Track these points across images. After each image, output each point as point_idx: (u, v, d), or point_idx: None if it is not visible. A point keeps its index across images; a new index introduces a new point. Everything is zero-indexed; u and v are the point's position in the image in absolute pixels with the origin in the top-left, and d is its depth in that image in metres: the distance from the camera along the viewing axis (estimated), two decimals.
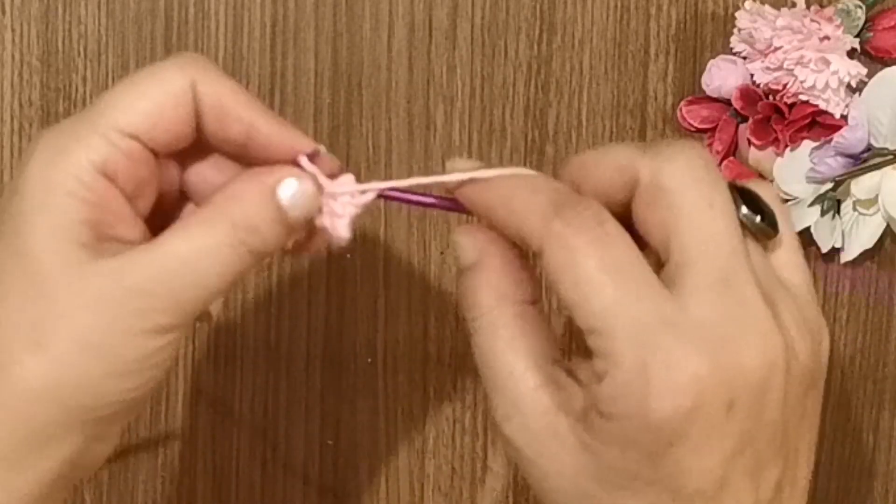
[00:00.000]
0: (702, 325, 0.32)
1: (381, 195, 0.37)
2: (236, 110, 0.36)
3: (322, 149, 0.37)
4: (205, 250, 0.35)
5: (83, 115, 0.35)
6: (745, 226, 0.34)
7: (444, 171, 0.37)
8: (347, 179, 0.37)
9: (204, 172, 0.38)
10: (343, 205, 0.36)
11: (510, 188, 0.35)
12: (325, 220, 0.37)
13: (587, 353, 0.34)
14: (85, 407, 0.35)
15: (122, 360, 0.34)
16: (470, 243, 0.36)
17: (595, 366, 0.33)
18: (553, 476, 0.34)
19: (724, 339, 0.32)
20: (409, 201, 0.38)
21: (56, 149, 0.35)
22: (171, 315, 0.35)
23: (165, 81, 0.35)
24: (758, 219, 0.34)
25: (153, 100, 0.35)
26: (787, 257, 0.36)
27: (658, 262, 0.34)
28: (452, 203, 0.37)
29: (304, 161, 0.36)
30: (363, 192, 0.37)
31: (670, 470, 0.32)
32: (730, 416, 0.32)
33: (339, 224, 0.37)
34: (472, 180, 0.36)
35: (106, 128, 0.35)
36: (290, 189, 0.36)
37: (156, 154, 0.36)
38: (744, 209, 0.34)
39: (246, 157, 0.37)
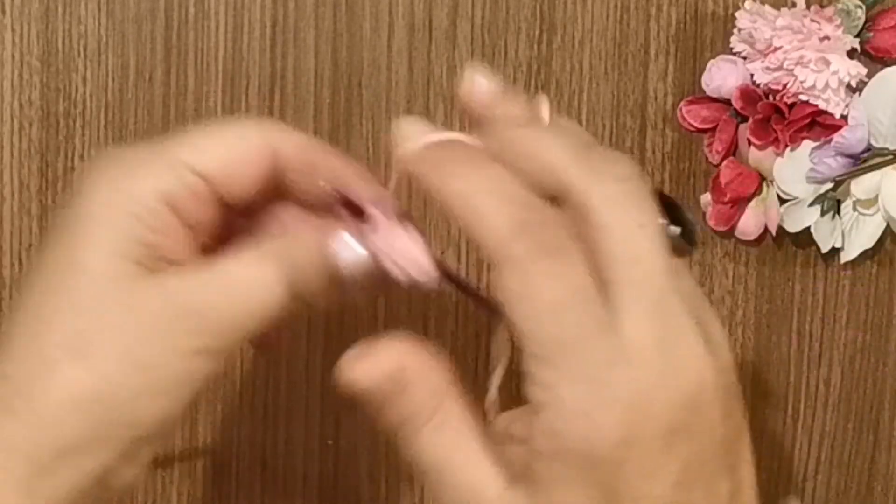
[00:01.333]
0: (639, 352, 0.32)
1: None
2: (323, 164, 0.37)
3: (388, 195, 0.37)
4: (256, 279, 0.35)
5: (156, 145, 0.36)
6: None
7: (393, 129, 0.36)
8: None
9: (277, 215, 0.39)
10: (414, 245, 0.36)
11: (475, 184, 0.34)
12: (407, 270, 0.36)
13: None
14: (119, 422, 0.35)
15: (161, 378, 0.35)
16: (386, 374, 0.35)
17: (534, 394, 0.32)
18: None
19: (661, 364, 0.32)
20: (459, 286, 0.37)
21: (123, 172, 0.35)
22: (214, 338, 0.35)
23: (245, 136, 0.36)
24: (677, 233, 0.34)
25: (228, 148, 0.36)
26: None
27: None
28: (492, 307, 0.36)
29: (376, 213, 0.36)
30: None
31: (621, 500, 0.32)
32: (672, 441, 0.32)
33: (420, 265, 0.36)
34: (430, 148, 0.34)
35: (175, 161, 0.35)
36: (342, 245, 0.36)
37: (223, 200, 0.37)
38: (663, 221, 0.33)
39: (320, 205, 0.38)
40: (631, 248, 0.32)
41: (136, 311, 0.34)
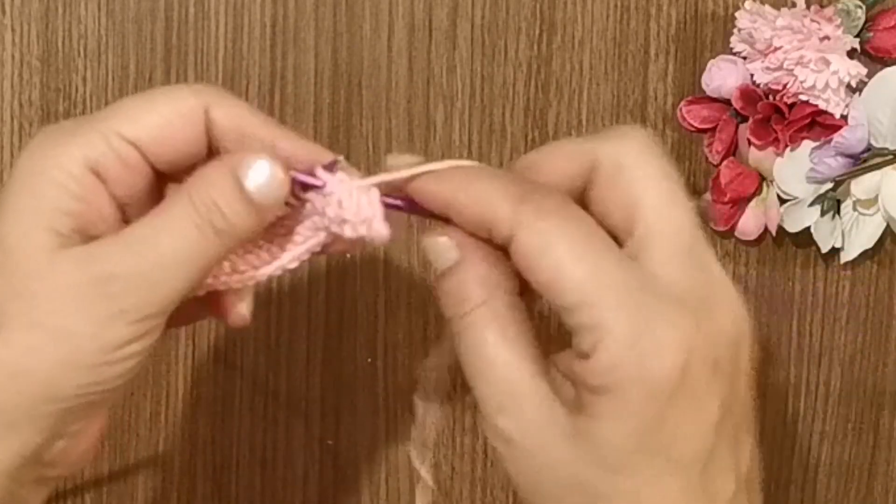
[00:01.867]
0: (679, 290, 0.33)
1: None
2: (255, 131, 0.36)
3: (341, 159, 0.36)
4: (167, 229, 0.34)
5: (89, 116, 0.36)
6: None
7: (386, 167, 0.36)
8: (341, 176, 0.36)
9: None
10: (369, 204, 0.36)
11: (468, 177, 0.35)
12: (359, 229, 0.36)
13: (566, 341, 0.34)
14: (43, 396, 0.34)
15: (81, 348, 0.33)
16: (449, 241, 0.36)
17: (581, 343, 0.33)
18: (547, 467, 0.34)
19: (700, 303, 0.33)
20: (393, 206, 0.37)
21: (52, 141, 0.35)
22: (134, 300, 0.34)
23: (177, 100, 0.36)
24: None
25: (161, 115, 0.35)
26: None
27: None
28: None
29: (320, 172, 0.36)
30: (357, 186, 0.36)
31: (668, 437, 0.33)
32: (715, 376, 0.33)
33: (374, 225, 0.36)
34: (426, 174, 0.36)
35: (106, 129, 0.35)
36: (251, 169, 0.35)
37: (157, 169, 0.36)
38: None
39: None
40: (663, 197, 0.35)
41: (51, 282, 0.33)
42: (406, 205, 0.36)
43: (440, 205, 0.36)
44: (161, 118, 0.35)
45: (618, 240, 0.35)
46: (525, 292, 0.36)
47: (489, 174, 0.35)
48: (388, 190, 0.36)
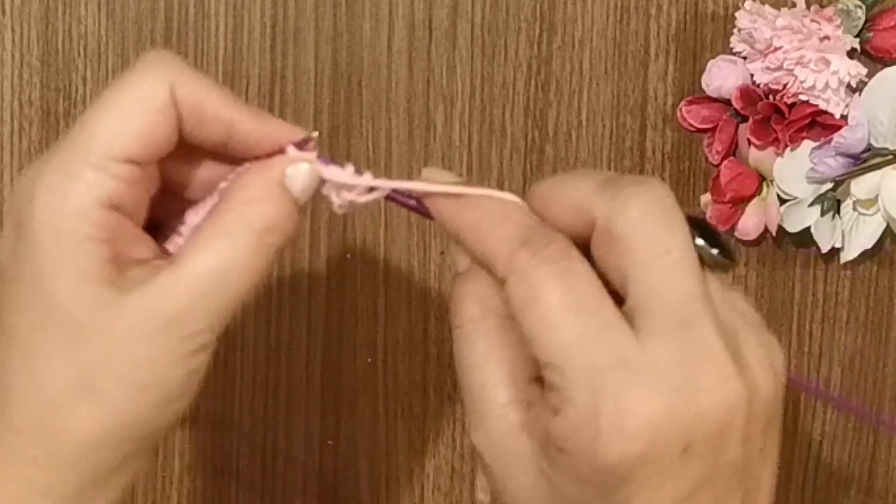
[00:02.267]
0: (659, 368, 0.32)
1: (371, 189, 0.37)
2: (214, 110, 0.35)
3: (314, 135, 0.36)
4: (233, 263, 0.35)
5: (73, 145, 0.35)
6: (702, 259, 0.34)
7: (420, 179, 0.37)
8: (348, 170, 0.36)
9: (181, 167, 0.38)
10: (343, 199, 0.36)
11: (481, 211, 0.35)
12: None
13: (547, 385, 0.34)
14: (141, 441, 0.35)
15: (170, 387, 0.35)
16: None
17: (551, 399, 0.33)
18: (511, 492, 0.34)
19: (681, 383, 0.32)
20: (398, 202, 0.37)
21: (57, 192, 0.34)
22: (209, 332, 0.35)
23: (149, 96, 0.35)
24: (715, 252, 0.34)
25: (141, 120, 0.34)
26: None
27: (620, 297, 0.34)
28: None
29: (292, 150, 0.36)
30: (353, 185, 0.36)
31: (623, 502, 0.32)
32: (684, 459, 0.32)
33: (334, 205, 0.37)
34: (447, 195, 0.36)
35: (102, 159, 0.34)
36: (299, 176, 0.35)
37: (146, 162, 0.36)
38: (700, 242, 0.34)
39: (226, 153, 0.37)
40: (655, 274, 0.33)
41: (126, 335, 0.34)
42: (421, 208, 0.37)
43: (451, 232, 0.36)
44: (142, 123, 0.34)
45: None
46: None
47: (502, 213, 0.35)
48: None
